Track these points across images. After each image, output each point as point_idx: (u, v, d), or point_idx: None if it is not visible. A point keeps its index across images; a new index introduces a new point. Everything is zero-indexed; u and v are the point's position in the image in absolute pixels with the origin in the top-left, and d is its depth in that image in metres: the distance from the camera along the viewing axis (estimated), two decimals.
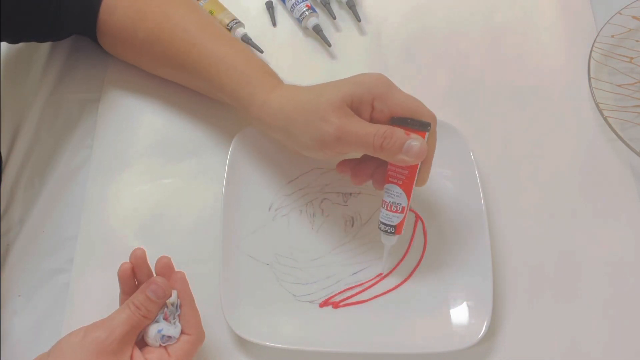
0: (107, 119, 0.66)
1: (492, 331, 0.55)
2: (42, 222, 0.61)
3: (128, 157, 0.64)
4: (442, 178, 0.61)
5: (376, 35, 0.72)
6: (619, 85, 0.67)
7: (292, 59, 0.71)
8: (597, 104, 0.64)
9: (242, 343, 0.55)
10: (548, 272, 0.58)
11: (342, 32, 0.73)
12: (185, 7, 0.62)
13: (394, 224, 0.53)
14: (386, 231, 0.53)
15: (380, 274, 0.58)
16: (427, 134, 0.50)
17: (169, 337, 0.48)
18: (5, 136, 0.64)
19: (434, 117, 0.51)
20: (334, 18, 0.72)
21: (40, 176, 0.63)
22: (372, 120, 0.52)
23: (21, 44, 0.70)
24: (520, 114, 0.67)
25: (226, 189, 0.58)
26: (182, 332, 0.49)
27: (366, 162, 0.55)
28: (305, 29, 0.72)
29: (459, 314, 0.55)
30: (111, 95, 0.68)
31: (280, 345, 0.53)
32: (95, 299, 0.57)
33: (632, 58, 0.68)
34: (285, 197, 0.61)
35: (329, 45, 0.70)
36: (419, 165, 0.51)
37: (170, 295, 0.48)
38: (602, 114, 0.63)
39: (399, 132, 0.49)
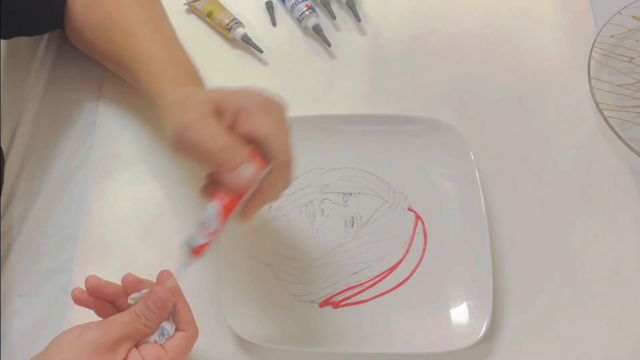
0: (106, 118, 0.66)
1: (492, 331, 0.55)
2: (42, 222, 0.61)
3: (128, 157, 0.64)
4: (442, 178, 0.61)
5: (376, 35, 0.72)
6: (619, 85, 0.67)
7: (292, 59, 0.71)
8: (597, 104, 0.64)
9: (242, 343, 0.55)
10: (548, 272, 0.58)
11: (342, 32, 0.72)
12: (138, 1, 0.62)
13: (193, 244, 0.47)
14: (184, 247, 0.47)
15: (381, 273, 0.58)
16: (269, 165, 0.46)
17: (165, 333, 0.48)
18: (5, 136, 0.64)
19: (284, 157, 0.46)
20: (334, 18, 0.72)
21: (40, 176, 0.63)
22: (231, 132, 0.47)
23: (20, 44, 0.70)
24: (520, 114, 0.67)
25: None
26: (177, 329, 0.48)
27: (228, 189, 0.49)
28: (305, 29, 0.72)
29: (459, 314, 0.55)
30: (111, 95, 0.68)
31: (280, 346, 0.53)
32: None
33: (632, 58, 0.68)
34: (285, 197, 0.61)
35: (329, 45, 0.70)
36: (243, 197, 0.46)
37: (172, 309, 0.47)
38: (602, 114, 0.63)
39: (241, 150, 0.45)
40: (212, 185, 0.49)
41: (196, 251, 0.47)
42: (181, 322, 0.48)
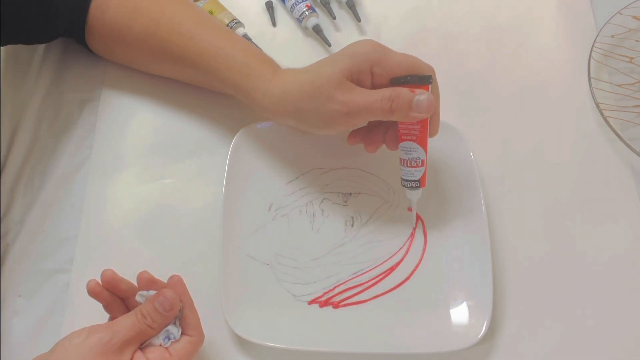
0: (107, 119, 0.66)
1: (492, 331, 0.55)
2: (42, 222, 0.61)
3: (128, 157, 0.64)
4: (442, 178, 0.61)
5: (376, 35, 0.72)
6: (619, 85, 0.67)
7: (292, 59, 0.70)
8: (597, 104, 0.64)
9: (242, 343, 0.55)
10: (548, 272, 0.58)
11: (342, 32, 0.72)
12: (179, 2, 0.63)
13: (417, 178, 0.55)
14: (411, 187, 0.55)
15: (381, 274, 0.58)
16: (429, 85, 0.51)
17: (171, 337, 0.48)
18: (5, 136, 0.64)
19: (432, 70, 0.53)
20: (334, 18, 0.72)
21: (40, 176, 0.63)
22: (374, 85, 0.53)
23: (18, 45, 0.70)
24: (520, 114, 0.67)
25: (226, 189, 0.58)
26: (183, 333, 0.49)
27: (376, 128, 0.56)
28: (305, 29, 0.72)
29: (459, 314, 0.55)
30: (111, 95, 0.68)
31: (280, 345, 0.53)
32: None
33: (632, 58, 0.68)
34: (285, 197, 0.61)
35: (329, 45, 0.70)
36: (429, 118, 0.52)
37: (180, 311, 0.48)
38: (602, 114, 0.63)
39: (404, 91, 0.50)
40: (357, 132, 0.57)
41: (422, 181, 0.55)
42: (187, 326, 0.48)
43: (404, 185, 0.56)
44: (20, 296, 0.58)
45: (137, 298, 0.49)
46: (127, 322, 0.46)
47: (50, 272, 0.59)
